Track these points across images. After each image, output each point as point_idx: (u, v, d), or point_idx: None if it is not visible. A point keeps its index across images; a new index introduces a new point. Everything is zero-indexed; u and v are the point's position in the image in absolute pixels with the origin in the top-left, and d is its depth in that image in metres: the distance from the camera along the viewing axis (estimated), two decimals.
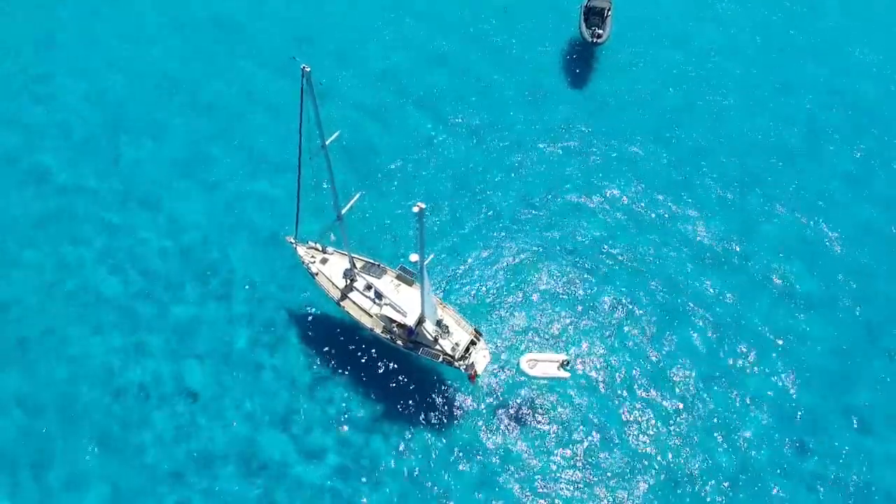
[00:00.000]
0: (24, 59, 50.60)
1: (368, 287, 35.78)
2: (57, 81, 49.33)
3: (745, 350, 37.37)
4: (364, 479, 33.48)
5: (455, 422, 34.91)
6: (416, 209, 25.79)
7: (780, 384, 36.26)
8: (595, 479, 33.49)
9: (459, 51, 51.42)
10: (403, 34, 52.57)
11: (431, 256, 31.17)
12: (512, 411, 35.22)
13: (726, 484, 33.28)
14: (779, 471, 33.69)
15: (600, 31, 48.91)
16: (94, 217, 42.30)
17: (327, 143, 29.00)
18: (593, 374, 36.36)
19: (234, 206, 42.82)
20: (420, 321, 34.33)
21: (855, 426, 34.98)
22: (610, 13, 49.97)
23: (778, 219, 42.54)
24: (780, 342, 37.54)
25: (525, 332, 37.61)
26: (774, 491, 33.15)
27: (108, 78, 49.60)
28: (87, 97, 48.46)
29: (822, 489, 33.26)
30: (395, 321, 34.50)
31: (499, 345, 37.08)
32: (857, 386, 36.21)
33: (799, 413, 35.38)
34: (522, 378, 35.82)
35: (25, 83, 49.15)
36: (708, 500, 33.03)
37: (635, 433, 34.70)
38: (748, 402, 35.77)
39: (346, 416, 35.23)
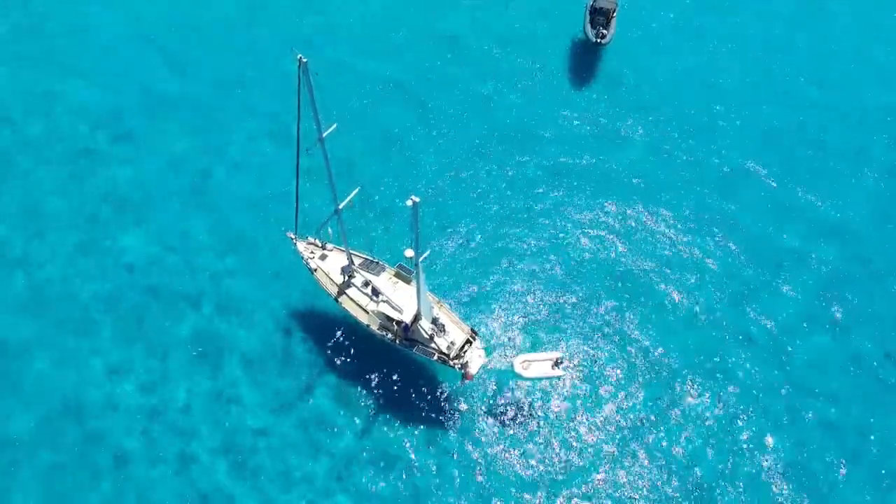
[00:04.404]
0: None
1: (366, 284, 35.64)
2: None
3: (740, 345, 37.26)
4: (355, 477, 33.33)
5: (449, 422, 34.72)
6: (409, 203, 25.63)
7: (773, 380, 36.11)
8: (590, 475, 33.23)
9: (461, 49, 51.32)
10: (405, 29, 52.51)
11: (427, 253, 30.89)
12: (506, 410, 35.01)
13: (721, 478, 33.00)
14: (771, 467, 33.41)
15: (605, 32, 48.80)
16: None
17: (324, 135, 28.84)
18: (587, 371, 36.17)
19: (234, 209, 42.89)
20: (416, 319, 34.14)
21: None
22: (615, 14, 49.81)
23: (764, 221, 42.45)
24: (768, 341, 37.49)
25: (520, 331, 37.45)
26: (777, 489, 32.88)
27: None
28: None
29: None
30: (391, 318, 34.33)
31: (494, 344, 36.87)
32: None
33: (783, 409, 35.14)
34: (517, 378, 35.64)
35: None
36: (704, 495, 32.80)
37: (630, 429, 34.46)
38: (741, 396, 35.67)
39: (339, 413, 35.10)
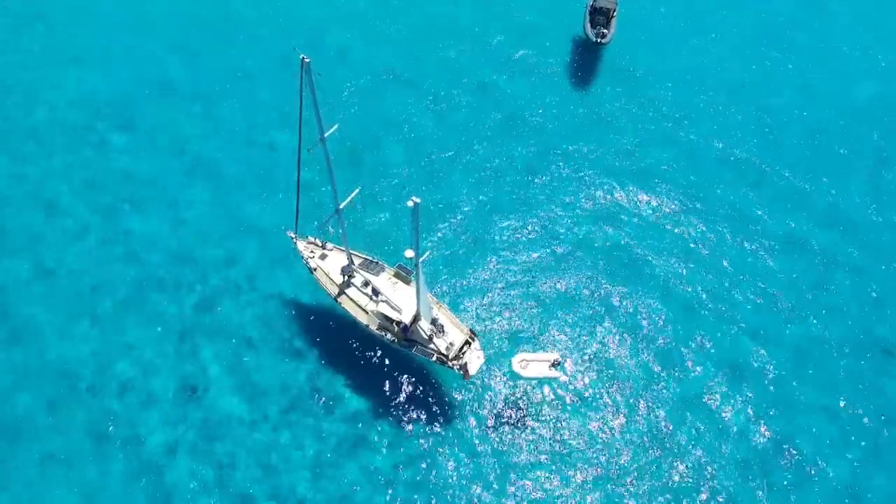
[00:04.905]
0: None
1: (366, 284, 35.62)
2: None
3: (737, 344, 37.44)
4: (353, 476, 33.36)
5: (447, 421, 34.73)
6: (410, 203, 25.63)
7: (775, 372, 36.25)
8: (587, 476, 33.27)
9: (463, 49, 51.35)
10: (408, 30, 52.58)
11: (428, 254, 30.92)
12: (504, 411, 35.03)
13: (717, 480, 33.09)
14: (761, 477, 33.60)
15: (605, 31, 48.84)
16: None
17: (326, 135, 28.82)
18: (585, 372, 36.18)
19: (235, 205, 42.91)
20: (415, 319, 34.14)
21: None
22: (615, 14, 49.84)
23: (764, 210, 42.67)
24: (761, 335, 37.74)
25: (519, 331, 37.46)
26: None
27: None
28: None
29: None
30: (390, 318, 34.33)
31: (493, 343, 36.88)
32: None
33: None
34: (515, 377, 35.66)
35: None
36: (699, 493, 32.89)
37: (627, 431, 34.50)
38: (737, 394, 35.81)
39: (338, 413, 35.09)
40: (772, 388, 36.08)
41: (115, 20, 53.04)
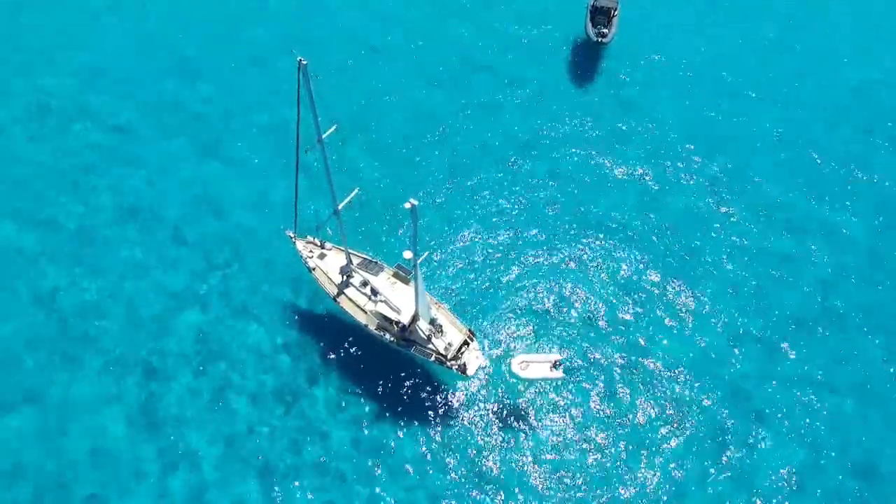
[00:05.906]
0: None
1: (364, 283, 35.65)
2: None
3: (741, 333, 37.65)
4: (352, 476, 33.37)
5: (446, 422, 34.73)
6: (408, 206, 25.66)
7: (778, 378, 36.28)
8: (588, 476, 33.27)
9: (464, 49, 51.35)
10: (408, 29, 52.66)
11: (426, 254, 30.95)
12: (502, 411, 35.02)
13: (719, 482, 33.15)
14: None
15: (605, 31, 48.83)
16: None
17: (324, 136, 28.82)
18: (586, 373, 36.14)
19: (232, 202, 43.03)
20: (414, 319, 34.15)
21: None
22: (616, 13, 49.83)
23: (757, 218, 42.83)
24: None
25: (519, 331, 37.42)
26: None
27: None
28: None
29: None
30: (389, 318, 34.34)
31: (492, 344, 36.88)
32: None
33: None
34: (515, 379, 35.64)
35: None
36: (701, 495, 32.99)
37: (629, 430, 34.49)
38: (737, 395, 35.82)
39: (334, 413, 35.08)
40: (777, 369, 36.37)
41: (121, 8, 53.86)
